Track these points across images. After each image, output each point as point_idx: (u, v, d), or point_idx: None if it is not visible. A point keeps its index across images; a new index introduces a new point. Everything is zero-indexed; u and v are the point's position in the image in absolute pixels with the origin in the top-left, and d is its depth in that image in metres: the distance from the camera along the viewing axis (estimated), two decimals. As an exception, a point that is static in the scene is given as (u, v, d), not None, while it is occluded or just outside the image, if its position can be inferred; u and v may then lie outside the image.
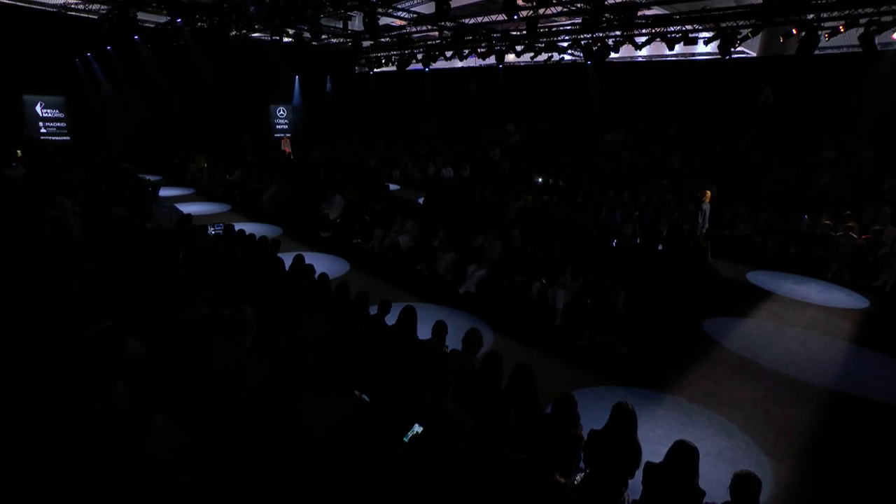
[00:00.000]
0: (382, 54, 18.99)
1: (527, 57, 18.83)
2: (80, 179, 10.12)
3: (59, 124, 19.52)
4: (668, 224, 12.37)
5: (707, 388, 6.03)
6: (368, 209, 11.23)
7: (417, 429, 3.18)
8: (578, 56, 18.02)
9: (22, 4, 17.09)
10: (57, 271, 4.30)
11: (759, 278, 10.34)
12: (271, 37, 13.39)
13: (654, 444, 4.92)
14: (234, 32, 12.85)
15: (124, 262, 5.09)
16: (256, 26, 12.97)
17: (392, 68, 21.67)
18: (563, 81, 19.40)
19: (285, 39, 14.02)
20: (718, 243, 11.99)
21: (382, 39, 17.06)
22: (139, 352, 3.49)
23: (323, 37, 17.14)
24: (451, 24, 13.02)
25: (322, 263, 9.93)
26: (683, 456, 2.99)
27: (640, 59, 18.91)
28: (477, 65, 21.94)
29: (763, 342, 7.30)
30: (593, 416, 4.63)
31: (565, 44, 13.93)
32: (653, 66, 18.64)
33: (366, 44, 17.66)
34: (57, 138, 19.48)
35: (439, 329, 4.94)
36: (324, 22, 14.96)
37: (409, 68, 20.92)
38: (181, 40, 14.11)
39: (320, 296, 4.82)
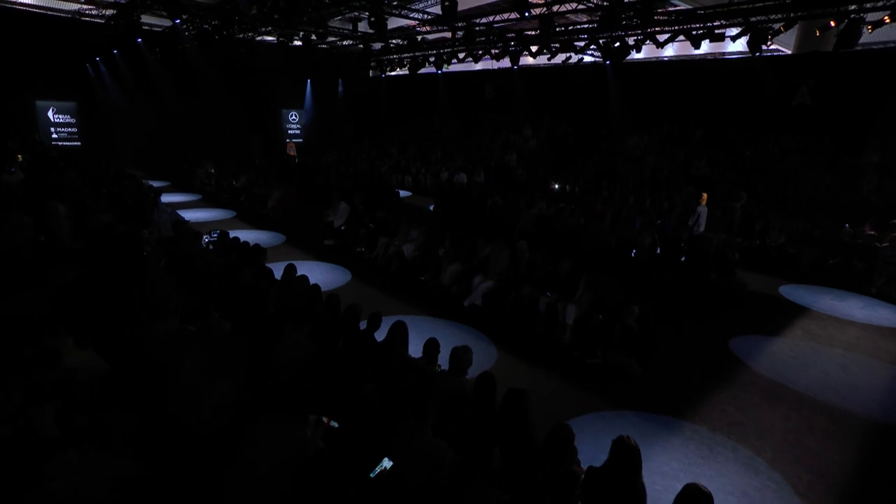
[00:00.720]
0: (394, 57, 18.92)
1: (545, 59, 18.61)
2: (79, 184, 10.16)
3: (70, 129, 19.98)
4: (692, 233, 11.95)
5: (732, 416, 5.61)
6: (373, 217, 11.06)
7: (387, 464, 2.92)
8: (598, 57, 17.70)
9: (37, 10, 17.55)
10: (22, 281, 4.19)
11: (793, 293, 9.82)
12: (278, 39, 13.40)
13: (669, 479, 4.56)
14: (240, 35, 12.93)
15: (99, 272, 4.96)
16: (264, 29, 12.98)
17: (405, 72, 21.60)
18: (582, 83, 19.08)
19: (295, 43, 14.01)
20: (748, 254, 11.49)
21: (393, 42, 16.99)
22: (96, 371, 3.32)
23: (331, 39, 17.18)
24: (462, 25, 12.84)
25: (323, 273, 9.82)
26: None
27: (665, 58, 18.52)
28: (493, 67, 21.78)
29: (797, 364, 6.83)
30: (602, 445, 4.28)
31: (582, 43, 13.59)
32: (678, 66, 18.21)
33: (377, 46, 17.60)
34: (68, 143, 19.95)
35: (431, 347, 4.68)
36: (336, 24, 14.98)
37: (422, 72, 20.83)
38: (185, 43, 14.29)
39: (302, 309, 4.59)
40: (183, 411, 3.10)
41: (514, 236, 11.59)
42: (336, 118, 26.51)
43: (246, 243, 7.88)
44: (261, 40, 15.55)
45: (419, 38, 17.50)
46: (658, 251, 10.29)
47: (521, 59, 19.63)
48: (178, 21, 10.51)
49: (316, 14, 11.10)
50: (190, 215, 14.12)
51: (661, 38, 13.04)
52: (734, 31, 13.10)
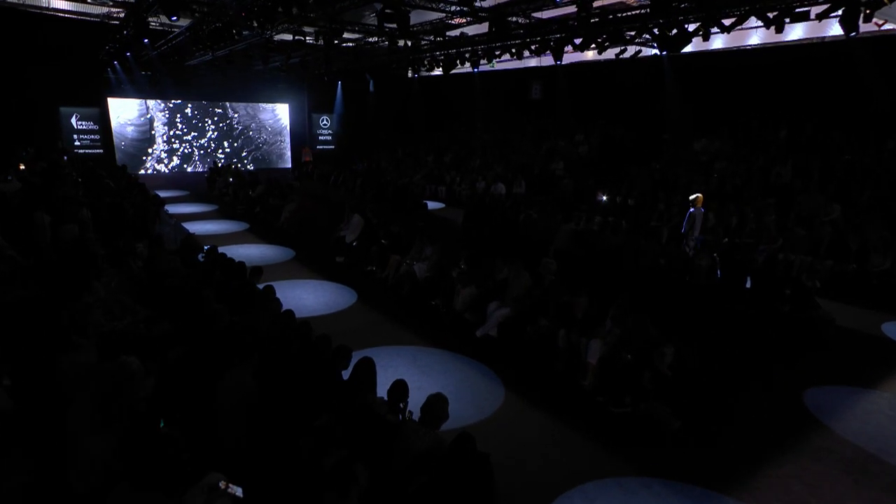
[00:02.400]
0: (424, 55, 18.87)
1: (596, 54, 17.99)
2: (78, 194, 10.48)
3: (92, 136, 21.10)
4: (766, 254, 10.98)
5: (797, 495, 4.78)
6: (386, 232, 10.82)
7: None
8: (655, 48, 16.90)
9: (63, 15, 18.68)
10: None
11: (898, 331, 8.70)
12: (293, 37, 13.59)
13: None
14: (249, 31, 13.22)
15: (44, 292, 4.88)
16: (284, 25, 13.17)
17: (440, 72, 21.52)
18: (638, 80, 18.30)
19: (309, 40, 14.16)
20: (840, 281, 10.37)
21: (425, 40, 16.90)
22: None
23: (356, 36, 17.30)
24: (491, 15, 12.53)
25: (326, 294, 9.65)
26: None
27: (748, 46, 17.33)
28: (539, 64, 21.35)
29: (897, 429, 5.85)
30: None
31: (633, 32, 12.92)
32: (757, 56, 16.99)
33: (402, 44, 17.60)
34: (91, 151, 21.03)
35: (397, 391, 4.27)
36: (359, 20, 15.08)
37: (459, 71, 20.68)
38: (199, 43, 14.77)
39: (249, 342, 4.29)
40: (64, 464, 2.82)
41: (548, 254, 11.09)
42: (368, 123, 26.78)
43: (230, 260, 7.75)
44: (288, 40, 15.82)
45: (451, 33, 17.36)
46: (718, 275, 9.45)
47: (573, 55, 19.12)
48: (174, 18, 10.76)
49: (331, 9, 11.10)
50: (199, 228, 14.44)
51: (728, 21, 12.12)
52: (822, 9, 11.80)
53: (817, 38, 15.76)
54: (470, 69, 19.34)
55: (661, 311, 8.00)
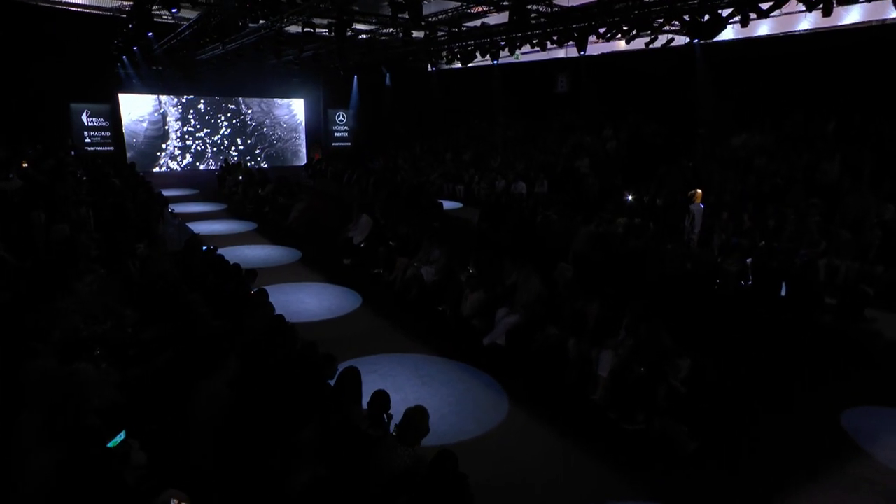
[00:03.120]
0: (442, 47, 18.81)
1: (622, 43, 17.68)
2: (79, 192, 10.67)
3: (103, 133, 21.56)
4: (806, 259, 10.58)
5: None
6: (394, 233, 10.76)
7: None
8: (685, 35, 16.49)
9: (74, 9, 19.14)
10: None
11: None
12: (303, 29, 13.64)
13: None
14: (257, 23, 13.30)
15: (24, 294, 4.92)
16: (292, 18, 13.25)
17: (460, 65, 21.42)
18: (670, 71, 17.90)
19: (320, 31, 14.22)
20: (893, 290, 9.88)
21: (443, 31, 16.81)
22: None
23: (369, 27, 17.32)
24: (510, 3, 12.38)
25: (329, 298, 9.65)
26: None
27: (797, 32, 16.71)
28: (566, 56, 21.08)
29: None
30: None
31: (661, 19, 12.60)
32: (802, 42, 16.39)
33: (416, 35, 17.54)
34: (101, 149, 21.51)
35: (378, 402, 4.17)
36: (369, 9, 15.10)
37: (480, 64, 20.56)
38: (207, 36, 14.93)
39: (222, 349, 4.24)
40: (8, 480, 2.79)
41: (566, 258, 10.90)
42: (384, 119, 26.82)
43: (225, 263, 7.78)
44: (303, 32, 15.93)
45: (472, 23, 17.25)
46: (750, 281, 9.15)
47: (601, 46, 18.83)
48: (175, 10, 10.88)
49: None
50: (206, 228, 14.60)
51: (766, 5, 11.70)
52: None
53: (877, 20, 15.08)
54: (490, 61, 19.14)
55: (685, 320, 7.78)
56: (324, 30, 15.31)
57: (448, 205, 18.21)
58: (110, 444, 3.07)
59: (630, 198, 14.27)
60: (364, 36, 20.33)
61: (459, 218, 16.33)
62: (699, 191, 11.05)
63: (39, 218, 8.55)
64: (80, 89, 20.01)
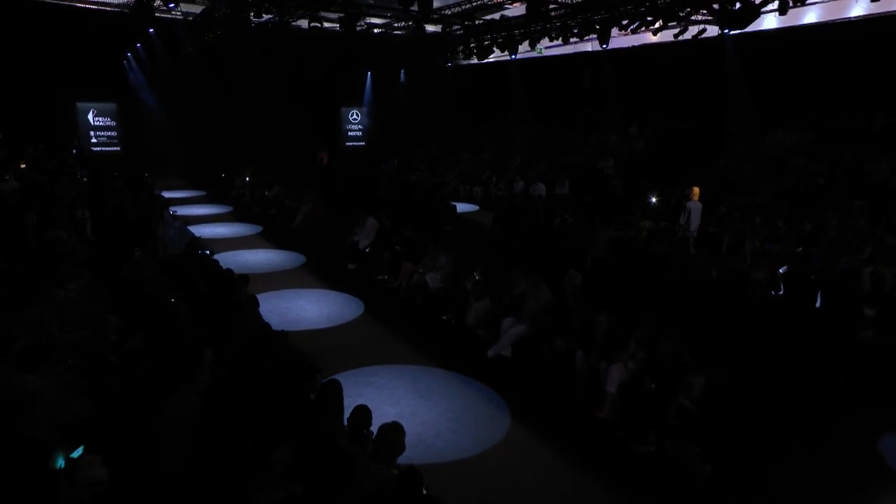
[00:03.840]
0: (459, 42, 18.81)
1: (654, 36, 17.48)
2: (72, 194, 10.88)
3: (110, 133, 22.01)
4: (847, 267, 10.27)
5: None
6: (400, 237, 10.74)
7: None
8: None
9: (81, 5, 19.55)
10: None
11: None
12: (309, 24, 13.75)
13: None
14: (266, 17, 13.45)
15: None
16: (299, 12, 13.38)
17: (493, 58, 21.38)
18: (702, 64, 17.62)
19: (326, 25, 14.33)
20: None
21: (458, 24, 16.81)
22: None
23: (381, 22, 17.40)
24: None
25: (329, 306, 9.68)
26: None
27: (846, 19, 16.24)
28: (592, 50, 20.90)
29: None
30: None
31: (689, 7, 12.39)
32: (849, 30, 15.93)
33: (431, 29, 17.56)
34: (107, 149, 21.97)
35: (358, 418, 4.12)
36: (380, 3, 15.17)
37: (501, 59, 20.52)
38: (215, 31, 15.10)
39: (197, 360, 4.24)
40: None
41: (584, 264, 10.78)
42: (400, 118, 26.88)
43: (217, 268, 7.83)
44: (314, 27, 16.04)
45: (491, 16, 17.22)
46: (780, 291, 8.90)
47: (628, 38, 18.65)
48: (171, 5, 11.00)
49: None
50: (209, 231, 14.79)
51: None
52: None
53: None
54: (518, 56, 19.01)
55: (707, 332, 7.64)
56: (334, 24, 15.45)
57: (463, 207, 18.16)
58: (57, 462, 3.06)
59: (654, 200, 14.03)
60: (378, 30, 20.48)
61: (473, 221, 16.27)
62: (696, 188, 11.41)
63: (31, 220, 8.72)
64: (86, 87, 20.40)
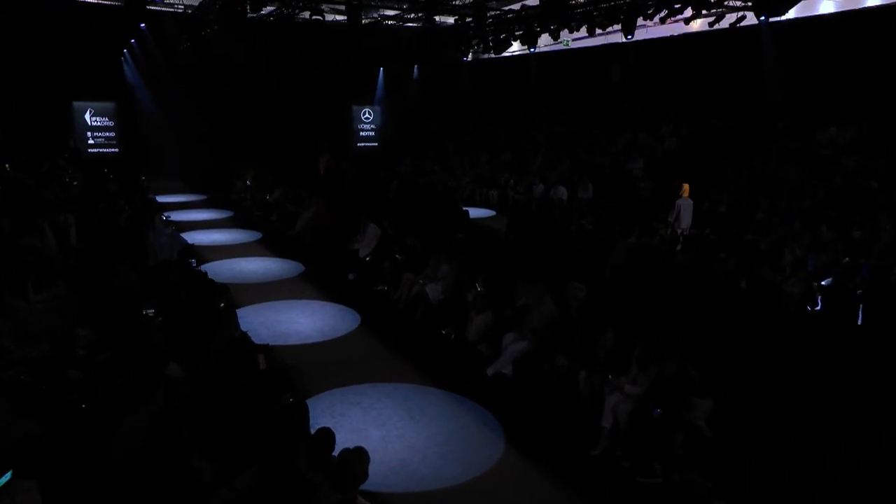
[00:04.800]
0: (473, 34, 18.84)
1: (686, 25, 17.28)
2: (63, 198, 11.14)
3: (107, 134, 22.50)
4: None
5: None
6: (401, 245, 10.75)
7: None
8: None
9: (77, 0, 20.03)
10: None
11: None
12: (311, 16, 13.91)
13: None
14: (267, 10, 13.65)
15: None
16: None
17: (515, 51, 21.38)
18: (738, 56, 17.36)
19: (329, 18, 14.49)
20: None
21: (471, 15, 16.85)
22: None
23: (392, 12, 17.52)
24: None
25: (324, 319, 9.76)
26: None
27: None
28: (622, 41, 20.73)
29: None
30: None
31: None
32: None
33: (443, 20, 17.61)
34: (105, 150, 22.46)
35: (321, 442, 4.09)
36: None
37: (522, 52, 20.49)
38: (212, 25, 15.33)
39: (147, 384, 4.27)
40: None
41: (603, 273, 10.67)
42: (414, 116, 26.99)
43: (202, 278, 7.92)
44: (316, 20, 16.22)
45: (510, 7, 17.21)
46: (817, 307, 8.67)
47: (660, 28, 18.46)
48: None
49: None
50: (205, 237, 15.00)
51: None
52: None
53: None
54: (542, 49, 18.93)
55: (728, 350, 7.48)
56: (342, 16, 15.59)
57: (479, 212, 18.14)
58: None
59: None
60: (390, 22, 20.60)
61: (488, 228, 16.21)
62: (686, 184, 11.79)
63: (6, 225, 8.92)
64: (83, 86, 20.87)
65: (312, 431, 5.56)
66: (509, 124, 24.13)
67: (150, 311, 6.95)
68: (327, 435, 4.16)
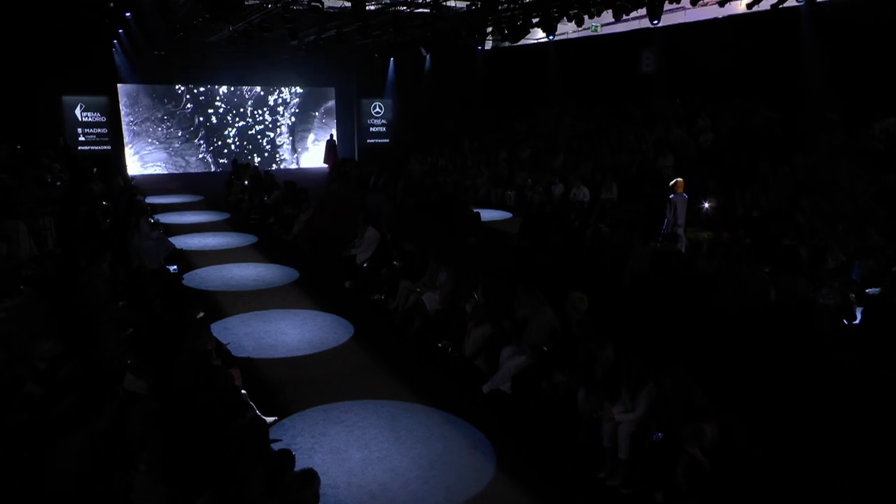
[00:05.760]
0: (488, 21, 18.87)
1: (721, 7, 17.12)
2: (40, 199, 11.39)
3: (99, 130, 22.90)
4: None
5: None
6: (400, 250, 10.81)
7: None
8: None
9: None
10: None
11: None
12: (309, 3, 14.03)
13: None
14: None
15: None
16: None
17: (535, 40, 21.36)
18: (781, 40, 17.16)
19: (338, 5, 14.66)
20: None
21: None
22: None
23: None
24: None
25: (315, 328, 9.89)
26: None
27: None
28: (657, 25, 20.61)
29: None
30: None
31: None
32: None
33: (455, 4, 17.61)
34: (97, 148, 22.87)
35: (276, 464, 4.12)
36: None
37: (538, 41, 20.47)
38: (199, 15, 15.56)
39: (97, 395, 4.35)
40: None
41: (622, 282, 10.62)
42: (426, 110, 27.10)
43: (178, 286, 8.04)
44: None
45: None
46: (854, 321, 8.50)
47: (696, 12, 18.33)
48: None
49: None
50: (197, 242, 15.25)
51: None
52: None
53: None
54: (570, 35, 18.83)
55: (748, 370, 7.40)
56: (346, 2, 15.66)
57: (494, 214, 18.15)
58: None
59: (706, 206, 13.73)
60: (405, 8, 20.67)
61: (501, 232, 16.19)
62: (680, 180, 12.26)
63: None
64: (73, 79, 21.26)
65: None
66: (529, 119, 24.12)
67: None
68: (284, 456, 4.19)
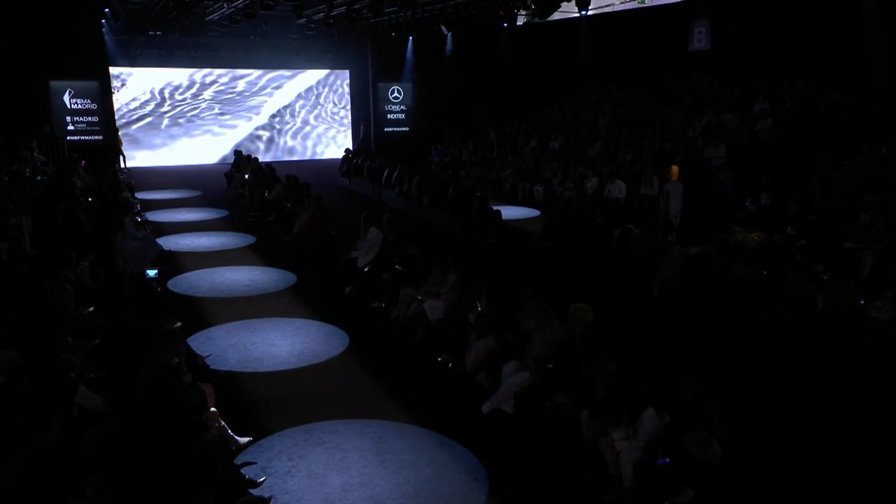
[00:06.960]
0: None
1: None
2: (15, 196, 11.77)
3: (90, 118, 23.47)
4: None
5: None
6: (402, 254, 10.93)
7: None
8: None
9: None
10: None
11: None
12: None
13: None
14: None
15: None
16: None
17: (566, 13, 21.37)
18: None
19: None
20: None
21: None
22: None
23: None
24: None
25: (307, 339, 10.08)
26: None
27: None
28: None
29: None
30: None
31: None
32: None
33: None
34: (87, 138, 23.46)
35: (231, 488, 4.28)
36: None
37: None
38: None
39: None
40: None
41: (651, 289, 10.62)
42: (449, 95, 27.21)
43: (152, 294, 8.28)
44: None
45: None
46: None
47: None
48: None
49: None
50: (189, 242, 15.59)
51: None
52: None
53: None
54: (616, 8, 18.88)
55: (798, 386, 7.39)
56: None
57: (519, 212, 18.20)
58: None
59: (759, 202, 13.63)
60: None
61: (526, 232, 16.22)
62: (675, 167, 12.75)
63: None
64: (61, 63, 21.77)
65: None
66: (563, 105, 24.08)
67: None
68: (238, 483, 4.35)
